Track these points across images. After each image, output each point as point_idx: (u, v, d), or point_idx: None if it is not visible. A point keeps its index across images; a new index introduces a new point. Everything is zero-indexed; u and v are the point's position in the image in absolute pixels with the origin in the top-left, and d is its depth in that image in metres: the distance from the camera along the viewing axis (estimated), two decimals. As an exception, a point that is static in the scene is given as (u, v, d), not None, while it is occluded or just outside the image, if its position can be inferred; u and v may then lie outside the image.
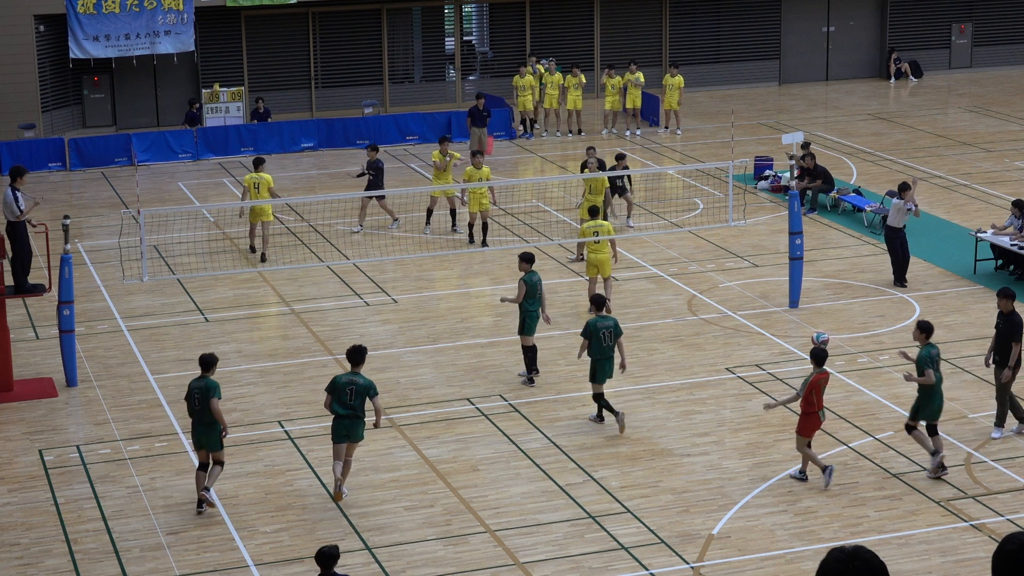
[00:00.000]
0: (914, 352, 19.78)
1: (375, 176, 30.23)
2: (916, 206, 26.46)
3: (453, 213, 30.51)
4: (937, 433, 19.01)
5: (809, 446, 18.79)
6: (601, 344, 20.52)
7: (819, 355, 18.77)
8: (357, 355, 18.70)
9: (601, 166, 30.24)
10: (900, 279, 26.45)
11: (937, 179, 34.26)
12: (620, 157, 30.30)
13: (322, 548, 14.53)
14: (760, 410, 21.09)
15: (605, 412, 20.80)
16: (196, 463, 19.57)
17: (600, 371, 20.60)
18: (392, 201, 31.28)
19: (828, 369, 19.21)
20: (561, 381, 22.44)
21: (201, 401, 18.27)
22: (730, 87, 45.86)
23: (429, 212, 30.57)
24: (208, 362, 18.55)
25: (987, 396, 21.20)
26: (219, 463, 18.56)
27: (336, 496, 18.66)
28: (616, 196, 30.62)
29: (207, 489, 18.46)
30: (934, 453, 18.90)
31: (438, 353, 23.71)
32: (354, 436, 18.60)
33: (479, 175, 28.76)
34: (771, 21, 46.46)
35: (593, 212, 25.44)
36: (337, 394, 18.46)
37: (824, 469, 18.72)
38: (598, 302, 21.01)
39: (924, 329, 19.18)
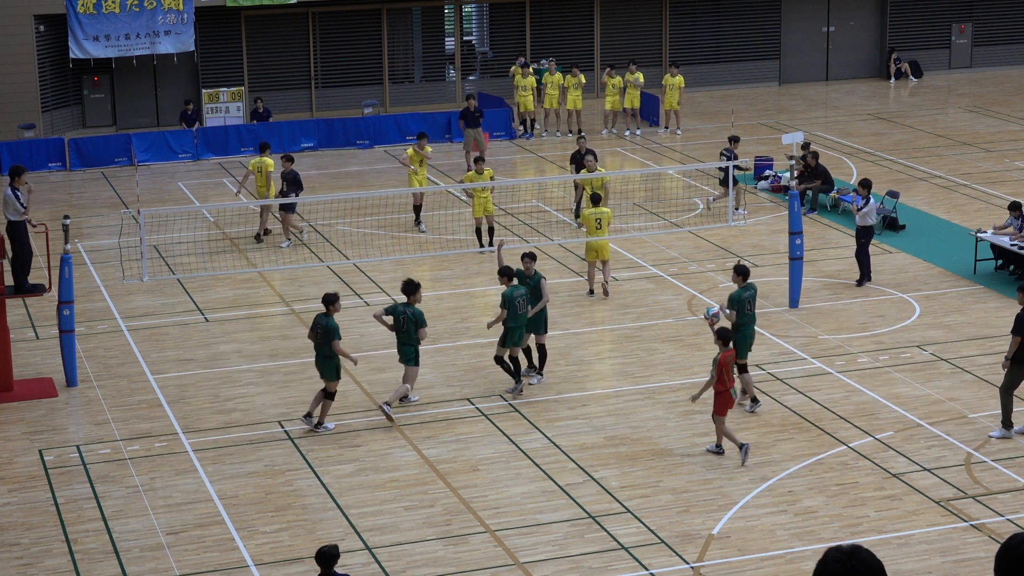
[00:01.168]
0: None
1: (289, 187, 29.46)
2: (860, 202, 26.35)
3: (418, 209, 30.58)
4: (747, 371, 21.05)
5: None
6: (516, 312, 21.63)
7: (724, 334, 19.42)
8: (409, 287, 21.12)
9: (591, 155, 30.82)
10: (867, 277, 26.43)
11: (937, 179, 34.26)
12: (734, 140, 31.23)
13: (322, 548, 14.53)
14: (760, 410, 21.09)
15: (510, 375, 21.88)
16: (196, 463, 19.66)
17: (511, 337, 21.66)
18: (392, 201, 31.21)
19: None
20: (561, 381, 22.44)
21: (322, 336, 20.50)
22: (730, 87, 45.86)
23: (417, 209, 30.53)
24: (329, 300, 20.71)
25: (987, 396, 21.21)
26: (329, 395, 20.68)
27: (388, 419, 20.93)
28: (724, 188, 30.99)
29: (309, 415, 20.69)
30: (751, 397, 21.02)
31: (438, 353, 23.71)
32: (404, 359, 21.08)
33: (481, 179, 28.83)
34: (771, 21, 46.46)
35: (595, 200, 26.13)
36: (395, 321, 20.94)
37: (740, 447, 19.42)
38: (508, 273, 21.98)
39: (740, 272, 21.27)
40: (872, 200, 26.38)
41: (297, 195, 29.37)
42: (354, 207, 31.48)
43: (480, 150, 34.64)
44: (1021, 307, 20.12)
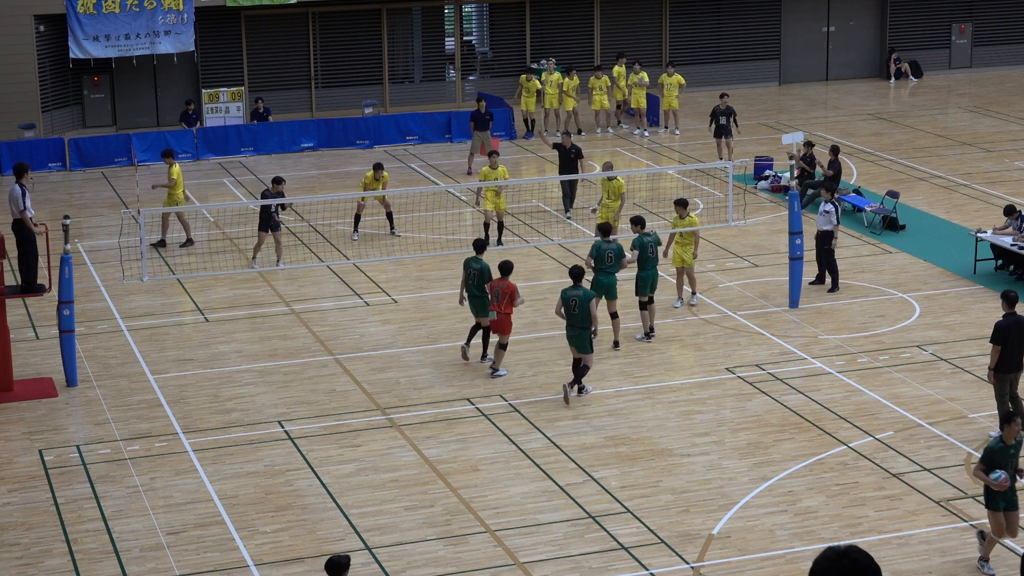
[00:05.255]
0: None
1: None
2: (829, 207, 26.23)
3: (390, 216, 30.31)
4: (646, 308, 23.93)
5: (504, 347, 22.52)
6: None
7: (504, 266, 22.36)
8: (577, 273, 21.87)
9: (575, 151, 30.88)
10: (835, 284, 26.23)
11: (937, 179, 34.27)
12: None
13: (332, 557, 13.70)
14: (760, 410, 21.10)
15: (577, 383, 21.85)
16: (196, 463, 19.68)
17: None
18: (392, 200, 31.16)
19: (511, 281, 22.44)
20: (561, 381, 22.43)
21: (579, 307, 21.41)
22: (730, 87, 45.82)
23: (357, 219, 30.19)
24: (578, 274, 21.76)
25: (987, 396, 21.20)
26: (587, 366, 21.56)
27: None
28: (721, 139, 35.08)
29: (580, 386, 21.62)
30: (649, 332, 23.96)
31: (438, 353, 23.71)
32: (579, 347, 21.53)
33: (495, 175, 28.87)
34: (771, 21, 46.46)
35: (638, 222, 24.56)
36: (565, 306, 21.62)
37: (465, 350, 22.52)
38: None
39: (636, 222, 24.13)
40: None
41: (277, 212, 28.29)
42: (354, 207, 31.43)
43: (496, 150, 34.52)
44: (1003, 314, 20.16)
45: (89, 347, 24.22)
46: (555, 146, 31.84)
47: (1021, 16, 48.45)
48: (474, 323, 23.39)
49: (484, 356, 23.18)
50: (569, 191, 31.34)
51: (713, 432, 20.50)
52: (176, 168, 29.96)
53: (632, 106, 40.11)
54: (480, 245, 23.38)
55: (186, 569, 17.00)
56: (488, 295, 22.67)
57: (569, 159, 31.25)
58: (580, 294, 21.49)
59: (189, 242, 29.92)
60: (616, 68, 40.13)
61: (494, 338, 23.00)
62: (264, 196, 28.74)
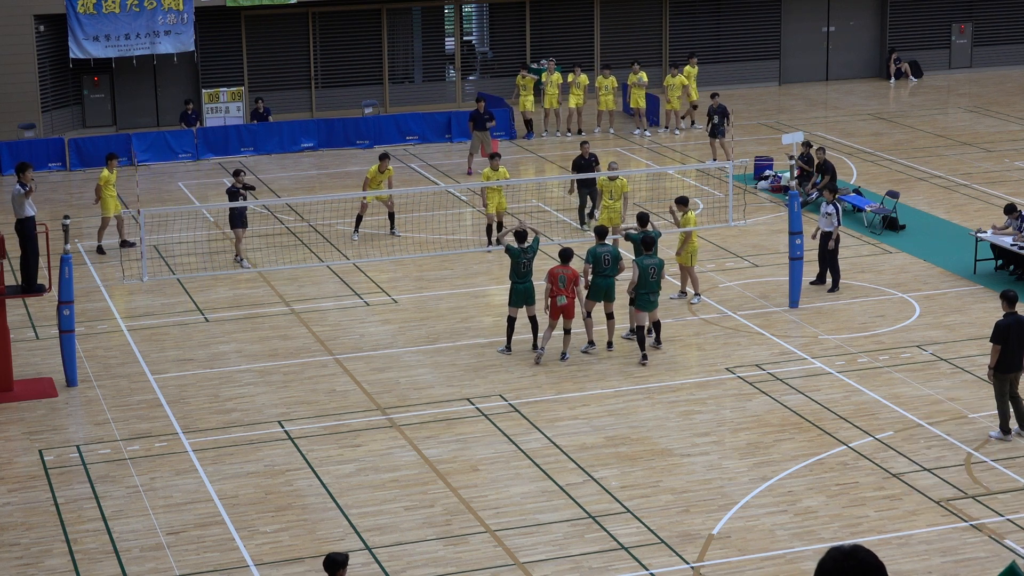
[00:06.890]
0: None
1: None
2: (831, 208, 26.25)
3: (391, 216, 30.32)
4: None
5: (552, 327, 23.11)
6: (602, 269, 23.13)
7: (564, 253, 23.13)
8: (650, 242, 22.93)
9: (595, 160, 30.61)
10: (836, 284, 26.25)
11: (937, 179, 34.26)
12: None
13: (330, 554, 14.02)
14: (760, 410, 21.10)
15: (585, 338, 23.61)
16: (196, 463, 19.71)
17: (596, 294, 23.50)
18: (392, 200, 31.17)
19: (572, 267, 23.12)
20: (561, 381, 22.45)
21: (657, 274, 22.67)
22: (730, 87, 45.84)
23: (359, 219, 30.11)
24: (650, 243, 22.81)
25: (987, 396, 21.20)
26: (658, 321, 23.10)
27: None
28: (715, 139, 35.28)
29: (657, 342, 23.22)
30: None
31: (438, 353, 23.71)
32: (651, 307, 22.94)
33: (496, 176, 28.73)
34: (771, 21, 46.46)
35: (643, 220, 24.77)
36: (642, 277, 22.55)
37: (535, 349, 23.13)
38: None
39: (639, 219, 24.32)
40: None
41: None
42: (354, 207, 31.43)
43: (496, 152, 34.50)
44: (1003, 314, 20.18)
45: (89, 347, 24.22)
46: (575, 163, 31.40)
47: (1021, 16, 48.45)
48: (510, 317, 23.53)
49: (536, 346, 23.34)
50: (588, 201, 30.70)
51: (713, 432, 20.50)
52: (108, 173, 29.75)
53: (632, 106, 40.07)
54: (522, 235, 23.69)
55: (186, 569, 17.00)
56: (547, 282, 23.08)
57: (590, 170, 30.91)
58: (657, 262, 22.75)
59: (100, 250, 29.56)
60: (687, 68, 39.96)
61: (543, 323, 23.46)
62: (231, 192, 28.59)
